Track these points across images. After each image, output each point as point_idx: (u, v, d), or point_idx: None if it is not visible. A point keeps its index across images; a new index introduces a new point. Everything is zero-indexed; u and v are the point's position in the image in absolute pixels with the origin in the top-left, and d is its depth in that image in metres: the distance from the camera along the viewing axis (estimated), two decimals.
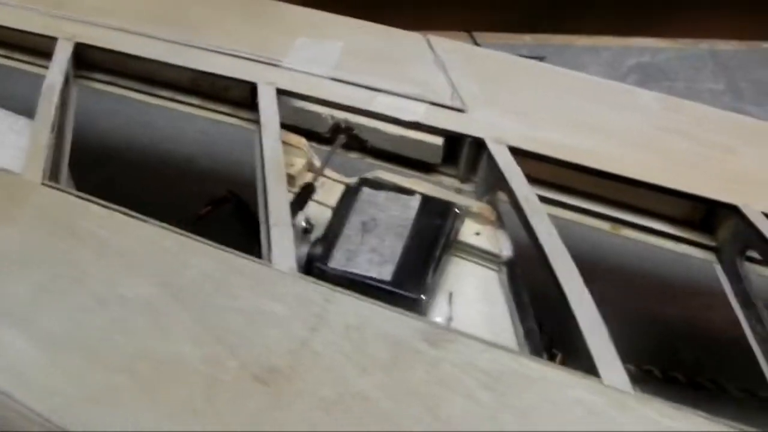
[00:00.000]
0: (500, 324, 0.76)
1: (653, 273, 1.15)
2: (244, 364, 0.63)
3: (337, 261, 0.74)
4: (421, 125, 0.88)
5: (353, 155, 0.92)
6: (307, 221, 0.78)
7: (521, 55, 1.40)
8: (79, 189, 0.82)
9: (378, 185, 0.81)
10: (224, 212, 1.18)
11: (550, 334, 0.86)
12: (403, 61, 0.98)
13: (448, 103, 0.90)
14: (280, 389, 0.61)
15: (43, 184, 0.79)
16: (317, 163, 0.88)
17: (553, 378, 0.62)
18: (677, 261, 1.11)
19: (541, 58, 1.48)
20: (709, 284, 0.87)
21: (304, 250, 0.76)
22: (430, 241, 0.76)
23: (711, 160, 0.87)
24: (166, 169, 1.32)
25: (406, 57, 0.98)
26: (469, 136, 0.87)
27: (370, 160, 0.92)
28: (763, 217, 0.79)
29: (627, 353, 0.66)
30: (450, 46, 0.99)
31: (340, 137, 0.90)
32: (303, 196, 0.81)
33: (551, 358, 0.84)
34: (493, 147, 0.85)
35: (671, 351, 1.10)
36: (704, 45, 1.58)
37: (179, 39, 0.99)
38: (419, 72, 0.95)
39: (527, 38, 1.56)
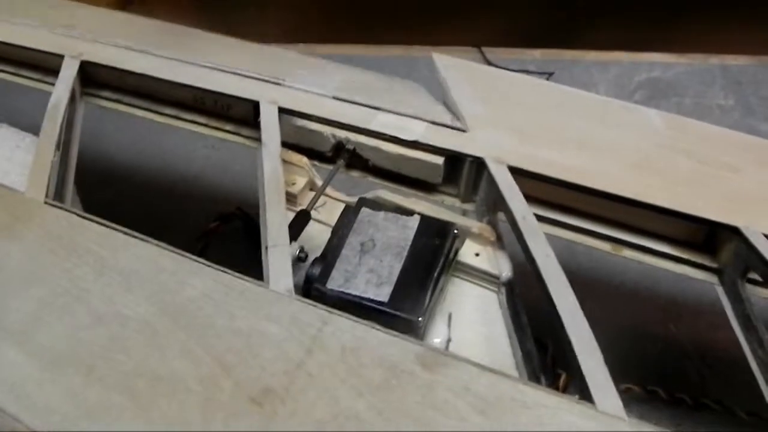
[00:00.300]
0: (499, 346, 0.76)
1: (658, 293, 1.14)
2: (239, 384, 0.63)
3: (335, 281, 0.75)
4: (421, 144, 0.88)
5: (355, 174, 0.93)
6: (301, 249, 0.78)
7: (529, 71, 1.41)
8: (85, 207, 0.83)
9: (377, 205, 0.82)
10: (232, 228, 1.19)
11: (553, 353, 0.86)
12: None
13: (449, 122, 0.90)
14: (275, 410, 0.61)
15: (46, 202, 0.80)
16: (318, 181, 0.88)
17: (548, 403, 0.62)
18: (682, 280, 1.11)
19: (550, 74, 1.48)
20: (714, 304, 0.86)
21: (301, 275, 0.76)
22: (429, 262, 0.76)
23: (714, 179, 0.86)
24: (172, 187, 1.34)
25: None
26: (470, 156, 0.87)
27: (371, 179, 0.92)
28: (765, 239, 0.79)
29: (632, 374, 0.65)
30: (452, 63, 1.00)
31: (341, 158, 0.90)
32: (298, 224, 0.81)
33: (555, 377, 0.84)
34: (492, 166, 0.85)
35: (677, 372, 1.10)
36: (714, 60, 1.57)
37: (184, 57, 1.00)
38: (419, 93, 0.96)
39: (536, 53, 1.56)
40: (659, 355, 1.10)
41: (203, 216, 1.19)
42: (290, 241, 0.76)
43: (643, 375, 0.95)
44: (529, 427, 0.60)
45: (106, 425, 0.61)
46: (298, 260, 0.79)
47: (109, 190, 1.15)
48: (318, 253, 0.78)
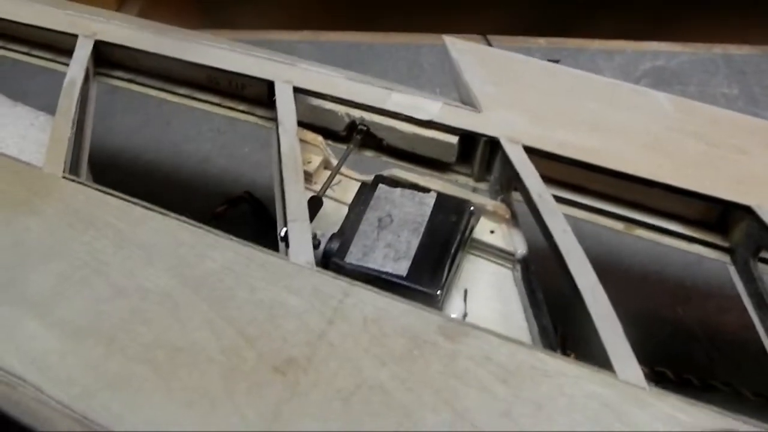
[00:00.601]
0: (514, 321, 0.77)
1: (666, 276, 1.15)
2: (261, 354, 0.64)
3: (354, 256, 0.75)
4: (435, 124, 0.88)
5: (369, 153, 0.93)
6: (314, 235, 0.79)
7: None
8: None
9: (393, 182, 0.82)
10: (239, 212, 1.19)
11: (563, 334, 0.86)
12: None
13: (463, 102, 0.91)
14: (298, 380, 0.62)
15: (64, 177, 0.80)
16: (333, 160, 0.89)
17: (568, 372, 0.63)
18: (691, 263, 1.11)
19: (555, 62, 1.49)
20: (724, 286, 0.87)
21: (317, 254, 0.77)
22: (446, 238, 0.77)
23: (724, 161, 0.87)
24: (183, 167, 1.34)
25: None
26: (484, 135, 0.87)
27: (385, 159, 0.93)
28: None
29: (640, 354, 0.66)
30: (464, 47, 1.00)
31: (356, 137, 0.90)
32: (310, 209, 0.81)
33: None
34: (507, 146, 0.85)
35: (685, 354, 1.10)
36: (718, 49, 1.58)
37: (197, 37, 1.01)
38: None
39: (542, 42, 1.56)
40: (667, 337, 1.11)
41: (210, 200, 1.19)
42: (316, 210, 0.77)
43: (651, 357, 0.96)
44: (550, 396, 0.61)
45: (127, 395, 0.62)
46: (312, 246, 0.79)
47: (117, 172, 1.15)
48: (335, 230, 0.79)
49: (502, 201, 0.85)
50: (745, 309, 0.81)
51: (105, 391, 0.62)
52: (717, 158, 0.88)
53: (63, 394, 0.62)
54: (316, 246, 0.79)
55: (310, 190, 0.84)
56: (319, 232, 0.79)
